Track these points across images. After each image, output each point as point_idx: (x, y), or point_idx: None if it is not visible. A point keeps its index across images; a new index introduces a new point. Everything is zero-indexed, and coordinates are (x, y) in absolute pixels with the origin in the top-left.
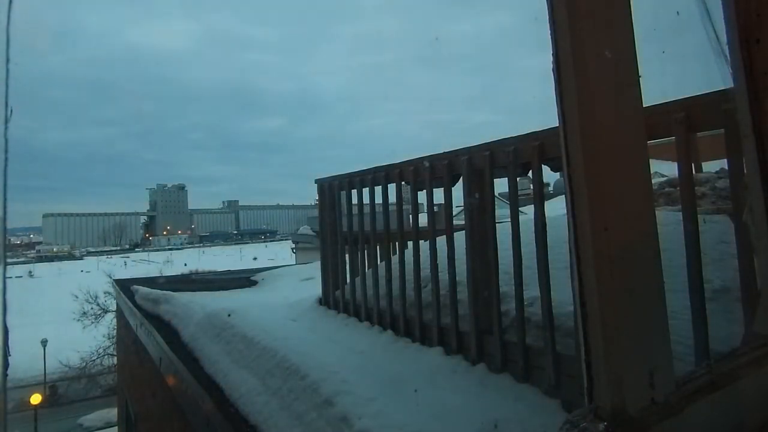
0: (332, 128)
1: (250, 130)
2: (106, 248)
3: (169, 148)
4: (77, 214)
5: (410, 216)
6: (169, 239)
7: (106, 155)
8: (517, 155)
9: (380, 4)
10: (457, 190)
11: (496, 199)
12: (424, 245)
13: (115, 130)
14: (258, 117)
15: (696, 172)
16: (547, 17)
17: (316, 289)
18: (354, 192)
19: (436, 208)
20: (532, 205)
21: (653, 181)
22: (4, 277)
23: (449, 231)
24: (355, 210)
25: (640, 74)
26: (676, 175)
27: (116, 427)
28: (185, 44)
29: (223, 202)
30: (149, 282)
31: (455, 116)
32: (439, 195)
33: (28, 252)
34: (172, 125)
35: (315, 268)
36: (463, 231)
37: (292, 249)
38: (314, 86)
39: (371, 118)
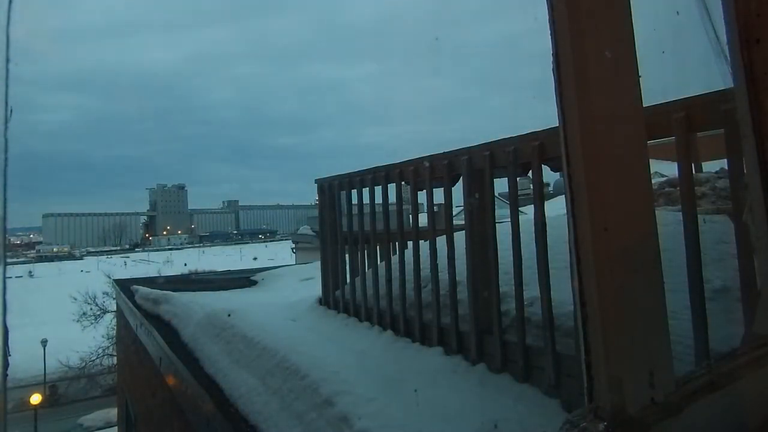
0: (330, 144)
1: (267, 146)
2: (106, 248)
3: (193, 159)
4: (77, 214)
5: (410, 216)
6: (168, 239)
7: (138, 165)
8: (517, 155)
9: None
10: (457, 190)
11: (496, 199)
12: (424, 245)
13: (154, 147)
14: (274, 137)
15: (696, 172)
16: (547, 17)
17: (316, 289)
18: (354, 192)
19: (436, 208)
20: (532, 205)
21: (653, 181)
22: (4, 277)
23: (449, 231)
24: (355, 210)
25: (640, 74)
26: (676, 175)
27: (116, 427)
28: (227, 94)
29: (223, 202)
30: (149, 282)
31: (426, 130)
32: (439, 195)
33: (28, 252)
34: (201, 144)
35: (315, 268)
36: (463, 231)
37: (292, 249)
38: (316, 113)
39: (360, 137)
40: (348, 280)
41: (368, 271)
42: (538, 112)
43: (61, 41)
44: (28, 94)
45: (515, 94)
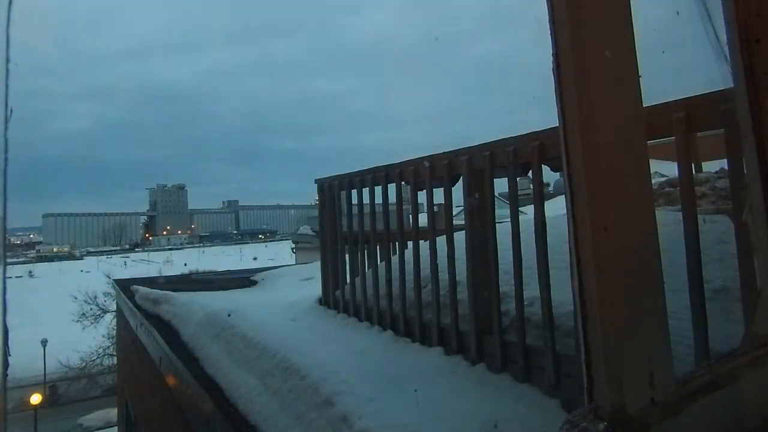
0: (329, 148)
1: (269, 149)
2: (106, 248)
3: (196, 161)
4: (77, 214)
5: (410, 216)
6: (169, 239)
7: (143, 166)
8: (517, 155)
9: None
10: (457, 190)
11: (496, 199)
12: (424, 245)
13: (161, 151)
14: (276, 142)
15: (696, 172)
16: (547, 17)
17: (316, 289)
18: (354, 192)
19: (436, 208)
20: (532, 205)
21: (653, 181)
22: (4, 277)
23: (449, 231)
24: (355, 210)
25: (640, 74)
26: (676, 175)
27: (116, 427)
28: (233, 104)
29: (223, 202)
30: (149, 282)
31: (421, 134)
32: (439, 195)
33: (28, 252)
34: (206, 147)
35: (315, 268)
36: (463, 231)
37: (292, 249)
38: (317, 121)
39: (359, 142)
40: (348, 280)
41: (368, 271)
42: (521, 117)
43: (86, 59)
44: (51, 105)
45: (503, 102)
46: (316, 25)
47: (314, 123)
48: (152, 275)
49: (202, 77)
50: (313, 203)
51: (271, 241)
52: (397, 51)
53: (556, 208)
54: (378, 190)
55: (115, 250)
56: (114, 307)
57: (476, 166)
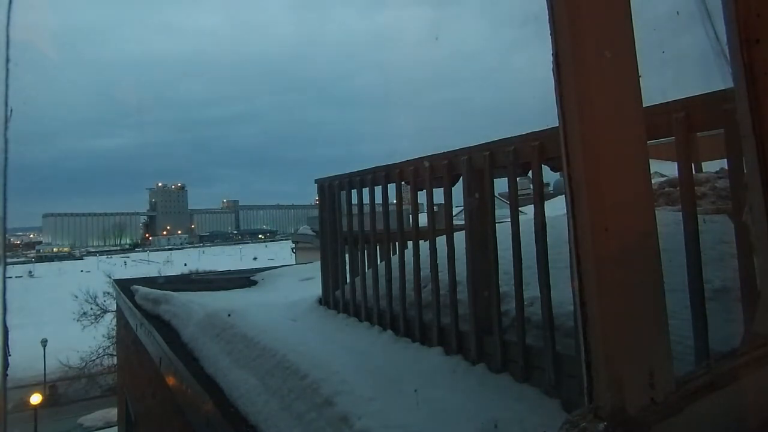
0: (329, 156)
1: (272, 157)
2: (106, 248)
3: (200, 165)
4: (77, 214)
5: (410, 216)
6: (169, 239)
7: (157, 176)
8: (517, 155)
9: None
10: (457, 190)
11: (496, 199)
12: (424, 245)
13: (174, 161)
14: (279, 152)
15: (696, 172)
16: (547, 17)
17: (316, 289)
18: (354, 192)
19: (436, 208)
20: (532, 205)
21: (653, 181)
22: (4, 277)
23: (449, 231)
24: (355, 210)
25: (640, 74)
26: (676, 175)
27: (116, 427)
28: (248, 128)
29: (223, 201)
30: (149, 282)
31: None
32: (439, 195)
33: (28, 252)
34: (212, 153)
35: (315, 268)
36: (463, 231)
37: (292, 249)
38: (318, 137)
39: (357, 149)
40: (348, 280)
41: (368, 271)
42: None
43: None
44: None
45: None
46: (316, 86)
47: (316, 138)
48: (152, 275)
49: (226, 115)
50: (313, 203)
51: (271, 241)
52: (380, 96)
53: (556, 208)
54: (378, 190)
55: (115, 250)
56: (114, 306)
57: (476, 166)
